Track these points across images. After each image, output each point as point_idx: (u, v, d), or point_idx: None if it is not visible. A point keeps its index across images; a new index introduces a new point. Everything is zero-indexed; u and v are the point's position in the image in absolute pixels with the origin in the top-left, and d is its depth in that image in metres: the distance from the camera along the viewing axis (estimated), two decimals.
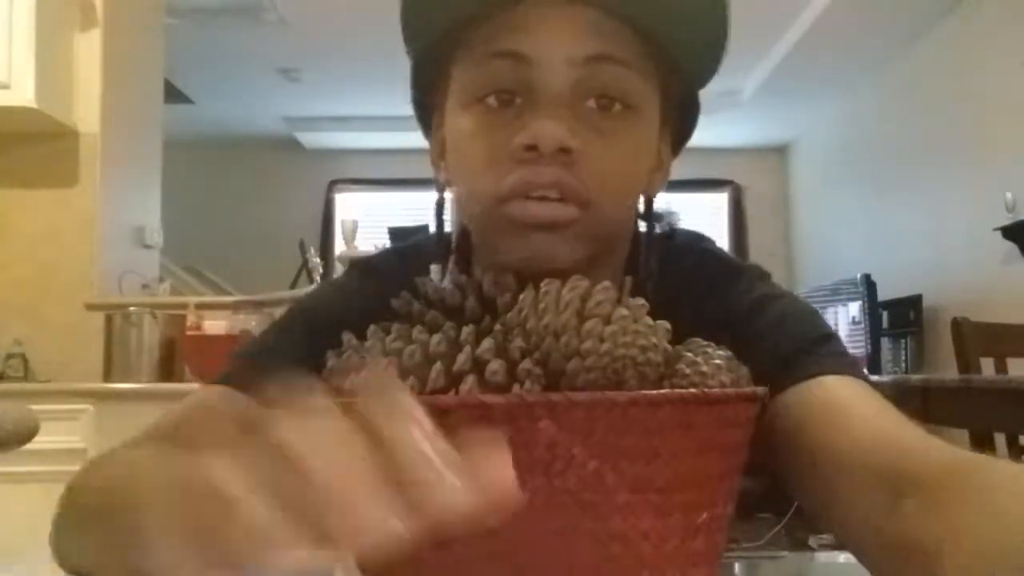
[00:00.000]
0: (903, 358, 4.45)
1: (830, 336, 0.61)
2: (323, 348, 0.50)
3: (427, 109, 0.66)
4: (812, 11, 4.24)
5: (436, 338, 0.45)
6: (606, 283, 0.46)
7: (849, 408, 0.53)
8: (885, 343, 4.56)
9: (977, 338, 2.43)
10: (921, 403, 2.32)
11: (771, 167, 6.62)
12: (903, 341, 4.47)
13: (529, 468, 0.39)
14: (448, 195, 0.65)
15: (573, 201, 0.55)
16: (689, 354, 0.47)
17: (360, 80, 5.51)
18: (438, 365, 0.43)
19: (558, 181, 0.54)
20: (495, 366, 0.43)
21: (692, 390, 0.43)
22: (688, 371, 0.46)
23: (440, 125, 0.64)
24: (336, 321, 0.61)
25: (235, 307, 3.08)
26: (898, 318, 4.49)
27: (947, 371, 3.55)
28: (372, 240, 5.20)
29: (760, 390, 0.46)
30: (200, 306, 3.05)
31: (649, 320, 0.45)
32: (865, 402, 0.53)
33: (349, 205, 6.66)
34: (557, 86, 0.55)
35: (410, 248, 0.72)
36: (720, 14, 0.58)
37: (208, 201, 6.43)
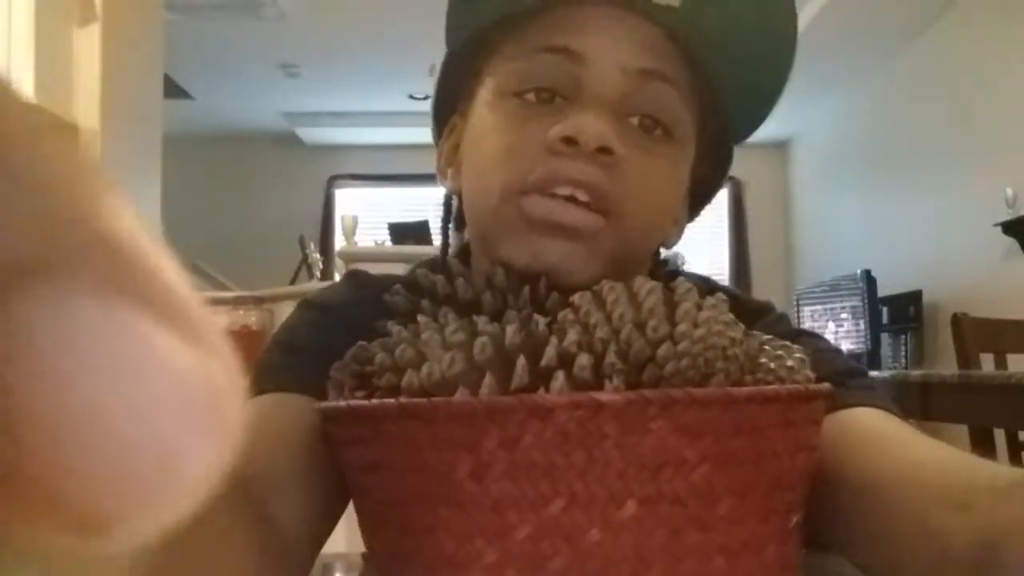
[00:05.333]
0: (903, 354, 4.45)
1: (859, 371, 0.59)
2: (339, 335, 0.48)
3: (444, 112, 0.63)
4: (812, 7, 4.23)
5: (511, 329, 0.40)
6: (682, 278, 0.44)
7: (890, 434, 0.51)
8: (885, 339, 4.56)
9: (977, 334, 2.43)
10: (921, 399, 2.32)
11: (771, 163, 6.61)
12: (903, 337, 4.46)
13: (637, 475, 0.36)
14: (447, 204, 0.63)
15: (601, 208, 0.51)
16: (769, 348, 0.44)
17: (360, 75, 5.50)
18: (522, 360, 0.38)
19: (592, 181, 0.51)
20: (583, 360, 0.38)
21: (798, 386, 0.40)
22: (773, 366, 0.42)
23: (454, 129, 0.61)
24: (348, 306, 0.58)
25: (235, 302, 3.07)
26: (898, 314, 4.49)
27: (947, 367, 3.55)
28: (372, 236, 5.20)
29: (829, 386, 0.44)
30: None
31: (732, 316, 0.42)
32: (903, 430, 0.52)
33: (349, 200, 6.65)
34: (606, 90, 0.53)
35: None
36: (783, 66, 0.56)
37: (208, 197, 6.42)
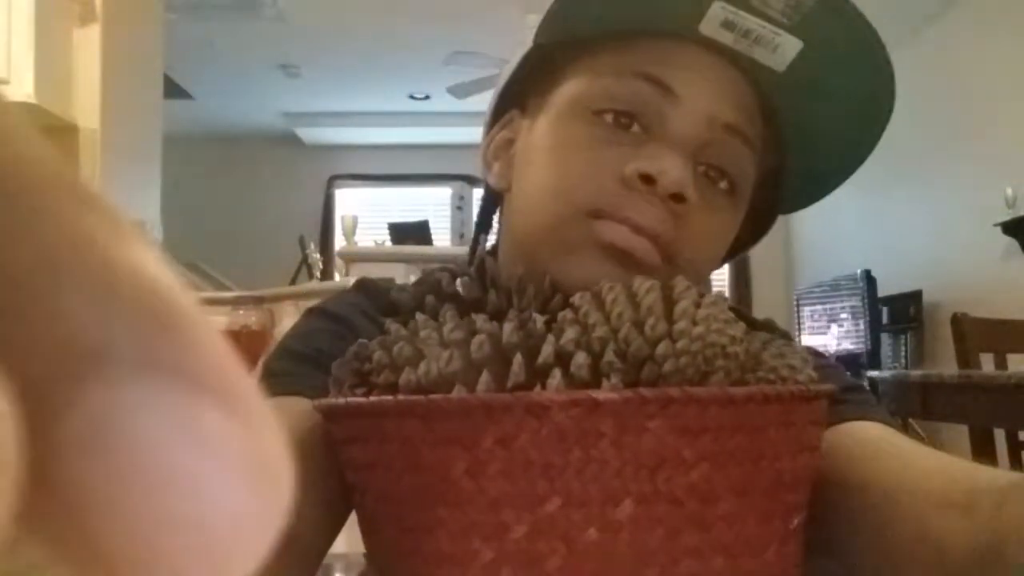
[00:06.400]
0: (903, 354, 4.45)
1: (858, 386, 0.59)
2: (347, 343, 0.47)
3: (504, 102, 0.61)
4: None
5: (509, 327, 0.40)
6: (680, 276, 0.43)
7: (890, 445, 0.51)
8: (885, 339, 4.56)
9: (977, 334, 2.42)
10: (921, 399, 2.32)
11: None
12: (903, 337, 4.47)
13: (634, 474, 0.36)
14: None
15: (663, 250, 0.51)
16: (771, 347, 0.43)
17: (360, 75, 5.51)
18: (519, 358, 0.38)
19: (659, 230, 0.51)
20: (580, 359, 0.38)
21: (799, 386, 0.40)
22: (776, 364, 0.41)
23: (510, 123, 0.60)
24: (354, 311, 0.58)
25: (235, 303, 3.08)
26: (898, 314, 4.49)
27: (947, 367, 3.55)
28: (372, 236, 5.20)
29: (831, 386, 0.43)
30: (200, 302, 3.04)
31: (731, 314, 0.42)
32: (903, 441, 0.52)
33: (349, 200, 6.66)
34: (688, 134, 0.52)
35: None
36: (855, 162, 0.56)
37: (208, 197, 6.42)
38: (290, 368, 0.57)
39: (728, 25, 0.52)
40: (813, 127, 0.56)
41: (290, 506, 0.12)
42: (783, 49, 0.53)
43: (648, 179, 0.50)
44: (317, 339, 0.58)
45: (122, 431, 0.10)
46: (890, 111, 0.57)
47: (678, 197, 0.50)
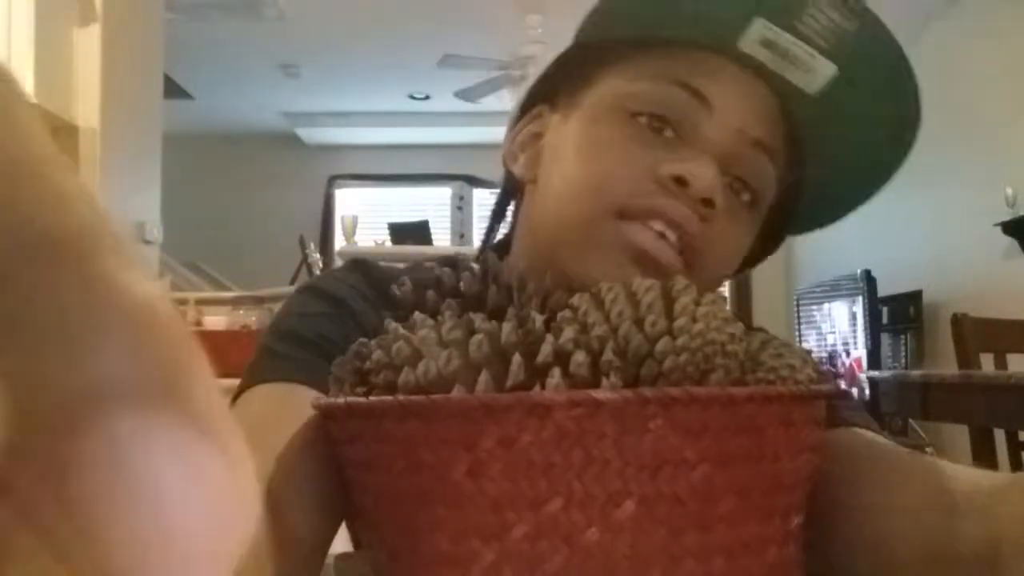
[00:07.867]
0: (903, 354, 4.45)
1: (846, 394, 0.60)
2: (351, 330, 0.47)
3: (535, 96, 0.62)
4: None
5: (508, 327, 0.40)
6: (679, 276, 0.44)
7: (879, 449, 0.52)
8: (885, 339, 4.56)
9: (977, 334, 2.42)
10: (921, 399, 2.32)
11: None
12: (903, 337, 4.46)
13: (635, 475, 0.36)
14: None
15: (686, 256, 0.52)
16: (770, 347, 0.43)
17: (360, 75, 5.50)
18: (518, 357, 0.38)
19: (689, 228, 0.52)
20: (580, 358, 0.38)
21: (799, 386, 0.40)
22: (775, 364, 0.41)
23: (538, 117, 0.61)
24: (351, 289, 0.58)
25: (235, 302, 3.08)
26: (898, 314, 4.49)
27: (947, 367, 3.55)
28: (372, 235, 5.21)
29: (831, 387, 0.43)
30: (200, 302, 3.06)
31: (730, 313, 0.42)
32: (892, 446, 0.53)
33: (349, 200, 6.66)
34: (718, 144, 0.53)
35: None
36: (870, 191, 0.58)
37: (208, 197, 6.42)
38: (292, 352, 0.54)
39: (767, 43, 0.53)
40: (835, 152, 0.57)
41: (254, 530, 0.13)
42: (817, 72, 0.54)
43: (681, 181, 0.51)
44: (318, 324, 0.56)
45: (127, 459, 0.11)
46: (911, 144, 0.57)
47: (708, 202, 0.52)
